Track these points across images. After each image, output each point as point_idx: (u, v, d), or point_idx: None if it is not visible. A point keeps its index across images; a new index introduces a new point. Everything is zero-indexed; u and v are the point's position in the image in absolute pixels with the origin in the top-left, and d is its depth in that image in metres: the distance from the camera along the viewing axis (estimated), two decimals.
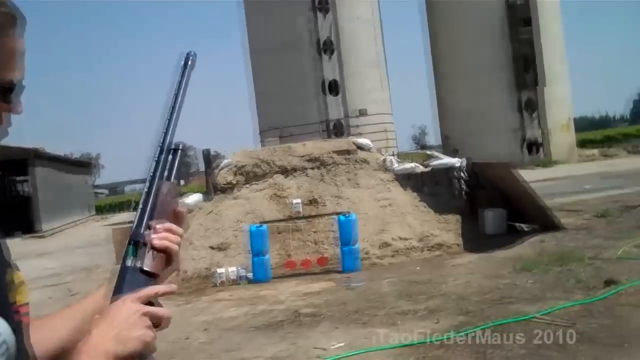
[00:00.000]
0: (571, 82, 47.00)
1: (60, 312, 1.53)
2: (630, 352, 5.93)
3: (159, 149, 1.48)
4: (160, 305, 1.36)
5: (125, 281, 1.34)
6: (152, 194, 1.46)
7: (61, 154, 49.28)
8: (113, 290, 1.34)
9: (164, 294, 1.35)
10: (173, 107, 1.51)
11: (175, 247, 1.43)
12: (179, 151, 1.50)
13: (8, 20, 1.22)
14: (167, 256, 1.42)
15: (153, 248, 1.40)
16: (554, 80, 43.21)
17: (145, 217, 1.43)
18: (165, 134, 1.49)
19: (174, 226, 1.44)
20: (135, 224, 1.42)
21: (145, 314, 1.28)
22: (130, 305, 1.27)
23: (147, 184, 1.46)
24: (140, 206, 1.44)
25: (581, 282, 8.67)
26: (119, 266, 1.38)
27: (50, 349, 1.42)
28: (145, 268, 1.38)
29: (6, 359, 1.06)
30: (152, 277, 1.39)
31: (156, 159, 1.48)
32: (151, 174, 1.47)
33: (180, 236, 1.45)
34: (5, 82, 1.22)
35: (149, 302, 1.33)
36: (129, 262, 1.37)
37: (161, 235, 1.41)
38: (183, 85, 1.54)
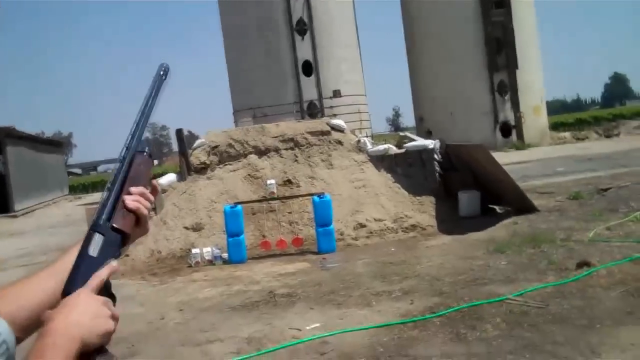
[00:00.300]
0: (544, 65, 47.26)
1: (36, 274, 1.53)
2: (601, 333, 6.01)
3: (125, 149, 1.51)
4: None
5: (79, 273, 1.32)
6: (123, 171, 1.49)
7: (33, 132, 48.52)
8: (66, 281, 1.31)
9: (109, 275, 1.34)
10: (142, 112, 1.55)
11: (145, 210, 1.48)
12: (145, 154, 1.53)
13: None
14: (137, 219, 1.46)
15: (125, 208, 1.44)
16: (527, 63, 43.37)
17: (107, 208, 1.43)
18: (133, 137, 1.53)
19: (147, 191, 1.50)
20: (96, 214, 1.42)
21: (105, 304, 1.27)
22: (88, 297, 1.27)
23: (110, 183, 1.47)
24: (103, 198, 1.44)
25: (554, 264, 8.76)
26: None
27: (25, 316, 1.38)
28: (115, 225, 1.40)
29: (6, 358, 1.05)
30: (122, 235, 1.41)
31: (121, 159, 1.50)
32: (115, 174, 1.49)
33: (151, 202, 1.50)
34: None
35: (105, 287, 1.33)
36: (90, 251, 1.35)
37: (134, 197, 1.45)
38: (153, 94, 1.59)
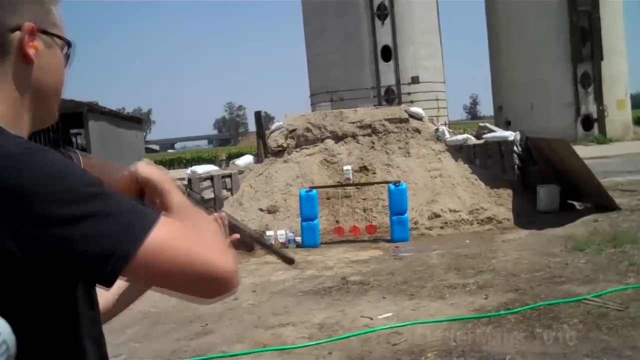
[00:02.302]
0: (629, 56, 45.76)
1: None
2: None
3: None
4: None
5: None
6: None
7: (114, 108, 49.74)
8: None
9: None
10: None
11: None
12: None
13: None
14: None
15: None
16: (612, 54, 42.16)
17: None
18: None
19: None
20: None
21: None
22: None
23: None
24: None
25: (635, 265, 8.53)
26: None
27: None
28: None
29: (6, 358, 1.07)
30: None
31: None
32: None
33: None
34: (67, 38, 1.38)
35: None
36: None
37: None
38: None
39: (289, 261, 1.73)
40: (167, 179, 1.42)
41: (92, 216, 1.11)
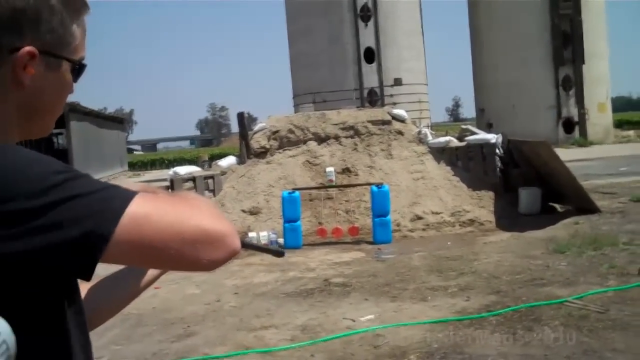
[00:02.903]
0: (611, 59, 46.10)
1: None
2: None
3: None
4: None
5: None
6: None
7: (96, 108, 49.45)
8: None
9: None
10: None
11: None
12: None
13: (83, 5, 1.34)
14: None
15: None
16: (593, 57, 42.35)
17: None
18: None
19: None
20: None
21: None
22: None
23: None
24: None
25: (615, 268, 8.59)
26: None
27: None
28: None
29: (6, 358, 1.06)
30: None
31: None
32: None
33: None
34: (79, 61, 1.34)
35: None
36: None
37: None
38: None
39: (279, 254, 1.73)
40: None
41: (64, 201, 1.08)
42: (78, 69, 1.34)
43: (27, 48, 1.22)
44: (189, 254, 1.14)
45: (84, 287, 1.46)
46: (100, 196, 1.11)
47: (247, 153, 15.67)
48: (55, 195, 1.08)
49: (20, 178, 1.08)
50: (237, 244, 1.18)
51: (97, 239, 1.08)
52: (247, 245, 1.59)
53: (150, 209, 1.13)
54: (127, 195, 1.13)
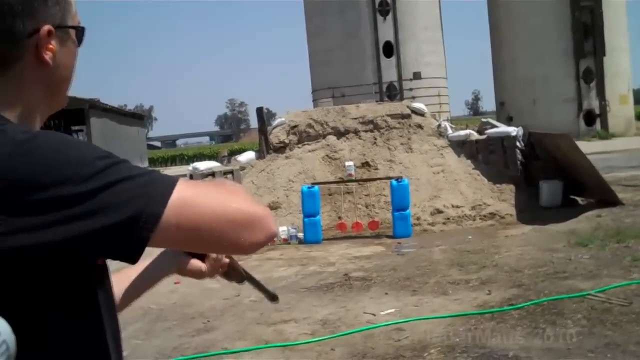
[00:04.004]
0: (632, 52, 45.64)
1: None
2: None
3: None
4: None
5: None
6: None
7: (116, 105, 49.71)
8: None
9: None
10: None
11: None
12: None
13: None
14: None
15: None
16: (614, 49, 41.99)
17: None
18: None
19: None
20: None
21: None
22: None
23: None
24: None
25: (638, 260, 8.48)
26: None
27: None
28: None
29: (6, 358, 1.05)
30: None
31: None
32: None
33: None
34: (81, 26, 1.36)
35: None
36: None
37: None
38: None
39: (274, 299, 1.77)
40: None
41: (110, 186, 1.09)
42: (81, 33, 1.36)
43: (45, 27, 1.24)
44: (231, 236, 1.17)
45: None
46: (145, 180, 1.13)
47: (266, 148, 15.67)
48: (102, 180, 1.09)
49: (65, 163, 1.09)
50: (274, 227, 1.23)
51: (146, 221, 1.10)
52: (248, 278, 1.67)
53: (194, 193, 1.16)
54: (171, 180, 1.16)
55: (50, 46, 1.25)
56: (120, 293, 1.58)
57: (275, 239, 12.27)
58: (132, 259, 1.14)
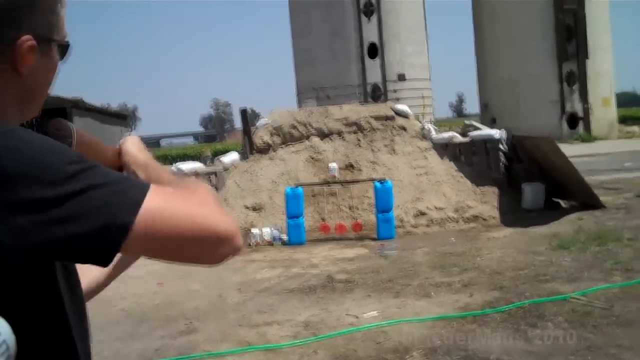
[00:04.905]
0: (615, 54, 45.88)
1: None
2: None
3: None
4: None
5: None
6: None
7: (99, 104, 49.47)
8: None
9: None
10: None
11: None
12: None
13: None
14: None
15: None
16: (597, 52, 42.19)
17: None
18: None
19: None
20: None
21: None
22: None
23: None
24: None
25: (619, 264, 8.54)
26: None
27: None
28: None
29: (6, 358, 1.04)
30: None
31: None
32: None
33: None
34: (66, 41, 1.36)
35: None
36: None
37: None
38: None
39: None
40: (148, 157, 1.47)
41: (81, 193, 1.08)
42: (65, 49, 1.36)
43: (25, 38, 1.23)
44: (198, 251, 1.19)
45: None
46: (115, 188, 1.12)
47: (250, 149, 15.63)
48: (72, 186, 1.09)
49: (37, 165, 1.08)
50: (241, 243, 1.23)
51: (116, 232, 1.09)
52: None
53: (164, 204, 1.15)
54: (142, 188, 1.16)
55: (28, 57, 1.25)
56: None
57: (258, 241, 12.29)
58: (103, 265, 1.14)
